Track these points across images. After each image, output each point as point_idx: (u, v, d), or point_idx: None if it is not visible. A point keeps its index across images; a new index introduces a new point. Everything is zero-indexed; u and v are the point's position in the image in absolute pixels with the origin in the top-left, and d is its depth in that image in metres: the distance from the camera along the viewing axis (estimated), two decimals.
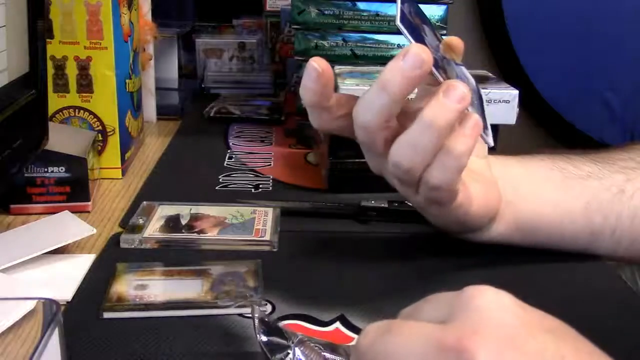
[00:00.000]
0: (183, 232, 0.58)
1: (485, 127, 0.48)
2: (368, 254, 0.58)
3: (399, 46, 0.79)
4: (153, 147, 0.89)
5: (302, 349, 0.39)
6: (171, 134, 0.94)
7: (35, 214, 0.63)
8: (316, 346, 0.39)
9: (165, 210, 0.62)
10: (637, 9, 1.54)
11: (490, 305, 0.29)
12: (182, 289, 0.49)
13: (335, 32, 0.80)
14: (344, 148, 0.68)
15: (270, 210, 0.62)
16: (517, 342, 0.28)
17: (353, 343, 0.41)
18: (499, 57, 1.59)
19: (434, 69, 0.45)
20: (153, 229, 0.58)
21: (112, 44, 0.72)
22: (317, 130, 0.54)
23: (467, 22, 1.57)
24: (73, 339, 0.42)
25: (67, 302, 0.47)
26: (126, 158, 0.77)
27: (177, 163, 0.82)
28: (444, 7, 0.80)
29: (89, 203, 0.65)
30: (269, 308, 0.47)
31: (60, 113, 0.73)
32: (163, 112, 1.02)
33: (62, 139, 0.65)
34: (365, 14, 0.79)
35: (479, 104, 0.52)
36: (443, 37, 0.53)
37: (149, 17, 0.94)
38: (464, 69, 0.53)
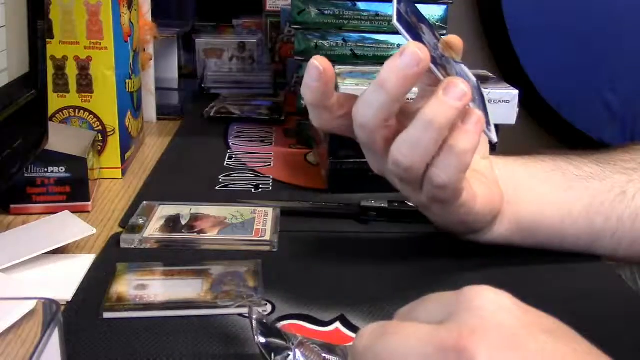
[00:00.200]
0: (183, 232, 0.58)
1: (488, 123, 0.48)
2: (368, 254, 0.58)
3: (398, 46, 0.79)
4: (153, 147, 0.89)
5: (302, 350, 0.39)
6: (171, 134, 0.94)
7: (35, 214, 0.63)
8: (316, 347, 0.39)
9: (165, 210, 0.62)
10: (637, 8, 1.54)
11: (489, 306, 0.29)
12: (182, 289, 0.48)
13: (335, 32, 0.79)
14: (344, 148, 0.68)
15: (270, 211, 0.62)
16: (517, 342, 0.28)
17: (351, 344, 0.41)
18: (499, 57, 1.59)
19: (433, 67, 0.45)
20: (153, 229, 0.58)
21: (112, 44, 0.72)
22: (317, 130, 0.54)
23: (467, 22, 1.57)
24: (73, 339, 0.42)
25: (67, 302, 0.47)
26: (126, 158, 0.77)
27: (177, 163, 0.82)
28: (444, 7, 0.80)
29: (89, 203, 0.65)
30: (269, 308, 0.47)
31: (60, 113, 0.73)
32: (163, 112, 1.02)
33: (62, 139, 0.65)
34: (365, 14, 0.79)
35: (481, 101, 0.51)
36: (442, 36, 0.53)
37: (149, 17, 0.94)
38: (464, 66, 0.53)
